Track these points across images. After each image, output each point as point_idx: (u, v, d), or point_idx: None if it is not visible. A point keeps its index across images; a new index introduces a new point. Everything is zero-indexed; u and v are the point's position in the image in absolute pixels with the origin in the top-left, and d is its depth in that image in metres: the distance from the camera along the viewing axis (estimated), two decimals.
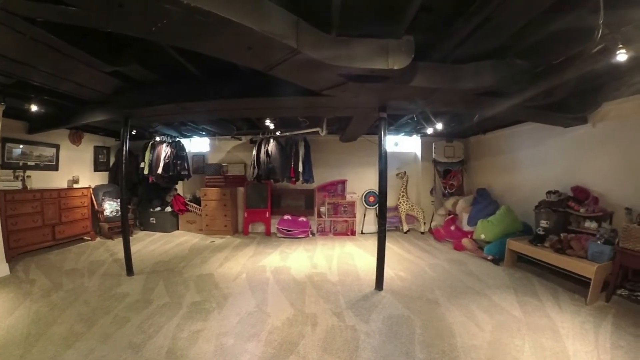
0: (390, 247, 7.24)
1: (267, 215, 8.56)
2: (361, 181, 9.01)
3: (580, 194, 5.59)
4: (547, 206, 5.87)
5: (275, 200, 8.76)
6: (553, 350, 3.29)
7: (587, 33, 2.75)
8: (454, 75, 3.72)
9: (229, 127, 7.74)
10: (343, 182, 8.90)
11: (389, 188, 8.69)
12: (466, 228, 7.46)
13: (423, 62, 3.58)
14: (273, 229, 8.59)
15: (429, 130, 7.41)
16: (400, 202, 8.94)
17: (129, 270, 5.16)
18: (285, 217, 8.50)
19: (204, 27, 2.24)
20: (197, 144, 9.39)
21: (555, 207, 5.77)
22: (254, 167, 7.79)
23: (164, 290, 4.58)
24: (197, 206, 8.66)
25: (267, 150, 7.69)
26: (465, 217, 7.63)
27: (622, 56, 3.14)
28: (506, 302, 4.42)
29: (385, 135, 4.61)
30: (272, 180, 8.13)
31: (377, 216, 8.61)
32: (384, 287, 4.75)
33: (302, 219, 8.49)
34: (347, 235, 8.64)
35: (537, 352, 3.25)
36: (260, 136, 7.91)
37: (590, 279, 4.37)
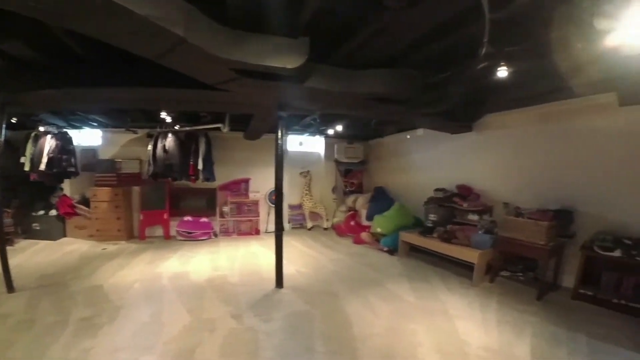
0: (293, 244, 7.42)
1: (166, 217, 7.90)
2: (265, 180, 8.55)
3: (464, 191, 6.40)
4: (435, 202, 6.62)
5: (175, 201, 8.11)
6: (444, 330, 3.62)
7: (474, 50, 3.09)
8: (350, 79, 3.88)
9: (123, 118, 6.98)
10: (247, 181, 8.72)
11: (293, 187, 9.04)
12: (365, 223, 7.93)
13: (321, 64, 3.69)
14: (173, 232, 7.92)
15: (331, 132, 7.77)
16: (304, 200, 9.20)
17: (9, 287, 4.43)
18: (186, 218, 7.99)
19: (85, 5, 2.03)
20: (87, 136, 7.99)
21: (442, 203, 6.52)
22: (150, 164, 7.21)
23: (50, 307, 4.00)
24: (87, 208, 7.58)
25: (165, 146, 7.12)
26: (364, 213, 8.12)
27: (502, 72, 3.66)
28: (401, 290, 4.77)
29: (283, 134, 4.65)
30: (170, 179, 7.62)
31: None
32: (285, 284, 4.79)
33: (204, 219, 8.12)
34: (252, 234, 8.57)
35: (430, 333, 3.54)
36: (158, 130, 7.27)
37: (474, 264, 5.02)
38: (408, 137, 7.22)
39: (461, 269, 5.49)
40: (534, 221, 4.64)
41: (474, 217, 5.95)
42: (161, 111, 6.38)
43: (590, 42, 2.99)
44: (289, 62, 3.10)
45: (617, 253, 4.06)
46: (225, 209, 8.45)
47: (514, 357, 3.13)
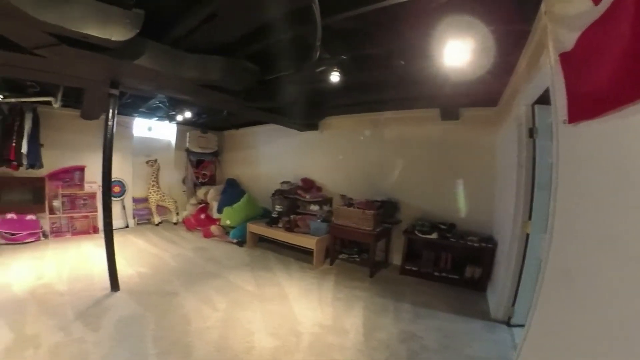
0: (135, 242, 6.82)
1: None
2: None
3: (307, 184, 6.97)
4: (281, 193, 6.97)
5: None
6: (281, 314, 3.76)
7: (308, 52, 3.22)
8: (179, 62, 3.67)
9: None
10: (81, 169, 7.34)
11: (138, 177, 8.26)
12: (216, 216, 7.74)
13: (154, 42, 3.42)
14: None
15: (180, 118, 7.35)
16: (150, 193, 8.31)
17: None
18: (9, 216, 6.37)
19: None
20: None
21: (287, 194, 6.91)
22: None
23: None
24: None
25: None
26: (215, 206, 7.92)
27: (335, 77, 3.97)
28: (242, 280, 4.79)
29: (114, 114, 4.20)
30: None
31: (123, 209, 8.00)
32: (121, 287, 4.37)
33: (30, 217, 6.61)
34: (90, 233, 7.29)
35: (266, 319, 3.63)
36: None
37: (313, 249, 5.42)
38: (298, 138, 7.32)
39: (304, 255, 5.82)
40: (361, 210, 5.25)
41: (315, 208, 6.44)
42: None
43: (413, 62, 3.54)
44: (116, 33, 2.79)
45: (434, 236, 4.91)
46: (56, 203, 7.01)
47: (346, 329, 3.43)
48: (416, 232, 5.03)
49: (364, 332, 3.38)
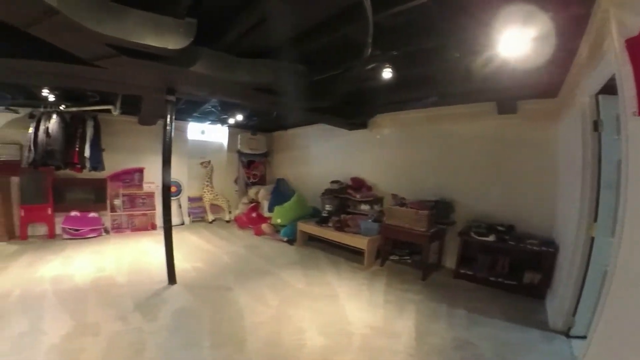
0: (190, 238, 7.14)
1: (49, 212, 6.76)
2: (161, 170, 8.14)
3: (357, 183, 6.86)
4: (331, 193, 6.95)
5: (59, 193, 6.97)
6: (331, 313, 3.75)
7: (359, 50, 3.14)
8: (231, 67, 3.77)
9: (0, 94, 5.77)
10: (140, 171, 7.93)
11: (193, 178, 8.63)
12: (266, 214, 7.91)
13: (208, 49, 3.53)
14: (59, 230, 6.82)
15: (232, 121, 7.59)
16: (204, 192, 8.77)
17: None
18: (73, 213, 6.95)
19: None
20: None
21: (337, 194, 6.87)
22: (30, 150, 6.12)
23: None
24: None
25: (48, 128, 6.13)
26: (266, 205, 8.10)
27: (387, 73, 3.85)
28: (293, 278, 4.84)
29: (172, 120, 4.41)
30: (53, 168, 6.59)
31: (179, 207, 8.38)
32: (178, 281, 4.56)
33: (92, 214, 7.14)
34: (148, 230, 7.80)
35: (317, 317, 3.64)
36: (42, 110, 6.23)
37: (364, 250, 5.33)
38: (348, 137, 7.47)
39: (354, 255, 5.77)
40: (414, 210, 5.06)
41: (365, 207, 6.36)
42: (42, 88, 5.47)
43: (469, 54, 3.36)
44: (171, 42, 2.90)
45: (491, 238, 4.60)
46: (117, 202, 7.62)
47: (397, 332, 3.35)
48: (472, 234, 4.76)
49: (415, 336, 3.28)
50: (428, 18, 2.94)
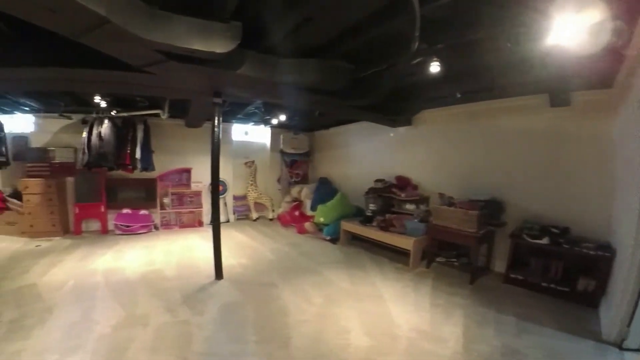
0: (235, 235, 7.33)
1: (102, 209, 7.31)
2: (208, 170, 7.85)
3: (402, 182, 6.70)
4: (375, 192, 6.82)
5: (111, 192, 7.51)
6: (376, 314, 3.71)
7: (405, 44, 3.07)
8: (276, 68, 3.78)
9: (55, 102, 6.22)
10: (188, 171, 8.38)
11: (237, 177, 8.86)
12: (309, 213, 7.99)
13: (252, 51, 3.57)
14: (111, 226, 7.37)
15: (275, 121, 7.70)
16: (249, 191, 9.01)
17: None
18: (124, 211, 7.48)
19: None
20: (18, 123, 7.04)
21: (381, 193, 6.74)
22: (84, 153, 6.63)
23: None
24: (19, 202, 6.68)
25: (100, 133, 6.56)
26: (308, 203, 8.19)
27: (435, 67, 3.72)
28: (336, 277, 4.84)
29: (219, 122, 4.53)
30: (106, 169, 7.06)
31: (225, 205, 8.60)
32: (224, 276, 4.70)
33: (143, 212, 7.63)
34: (195, 226, 8.22)
35: (362, 317, 3.62)
36: (94, 115, 6.69)
37: (409, 250, 5.22)
38: (392, 135, 7.35)
39: (399, 256, 5.65)
40: (464, 210, 4.84)
41: (410, 207, 6.20)
42: (94, 95, 5.89)
43: (521, 43, 3.17)
44: (218, 46, 2.96)
45: (544, 240, 4.32)
46: (166, 200, 8.03)
47: (444, 337, 3.26)
48: (524, 236, 4.48)
49: (463, 342, 3.17)
50: (476, 8, 2.82)
